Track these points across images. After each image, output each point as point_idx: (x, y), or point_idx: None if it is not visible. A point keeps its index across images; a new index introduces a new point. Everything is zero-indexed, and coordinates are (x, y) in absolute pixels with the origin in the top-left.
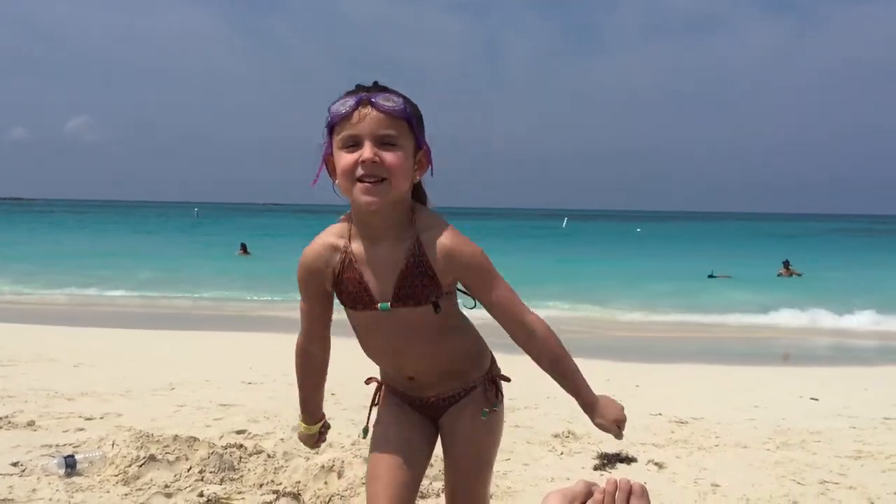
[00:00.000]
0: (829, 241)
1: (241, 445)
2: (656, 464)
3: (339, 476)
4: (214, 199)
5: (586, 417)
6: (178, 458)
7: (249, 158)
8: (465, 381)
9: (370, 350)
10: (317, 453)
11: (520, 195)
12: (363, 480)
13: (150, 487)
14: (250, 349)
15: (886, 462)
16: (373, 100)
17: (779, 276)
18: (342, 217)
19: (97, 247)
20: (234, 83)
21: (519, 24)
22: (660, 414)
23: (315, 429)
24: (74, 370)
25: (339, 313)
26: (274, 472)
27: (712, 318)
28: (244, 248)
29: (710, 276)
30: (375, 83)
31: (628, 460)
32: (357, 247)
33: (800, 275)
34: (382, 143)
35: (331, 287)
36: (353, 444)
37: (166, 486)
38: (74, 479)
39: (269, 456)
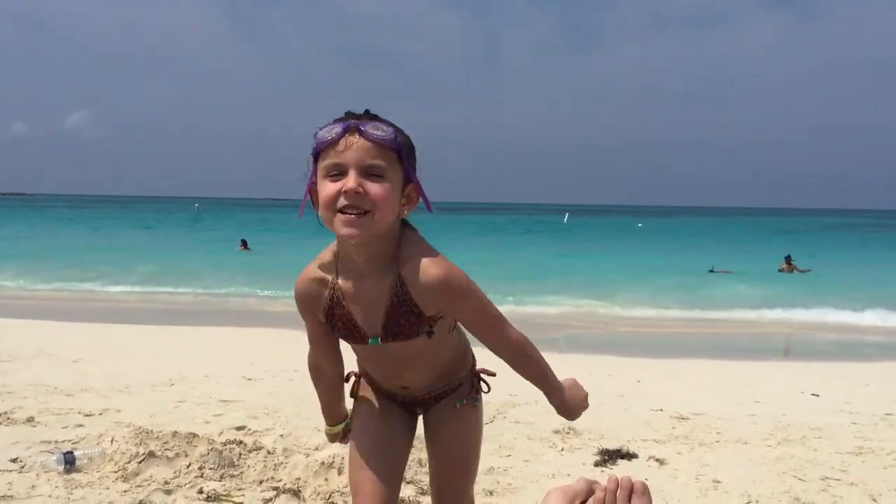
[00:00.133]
0: (832, 237)
1: (241, 442)
2: (657, 460)
3: (340, 472)
4: (215, 194)
5: (587, 413)
6: (177, 455)
7: (250, 153)
8: (452, 379)
9: (368, 369)
10: (316, 449)
11: (520, 190)
12: None
13: (149, 484)
14: (250, 345)
15: (888, 458)
16: (361, 128)
17: (780, 271)
18: (331, 245)
19: (97, 242)
20: (235, 78)
21: (518, 18)
22: (661, 409)
23: (338, 428)
24: (73, 366)
25: None
26: (274, 469)
27: (713, 314)
28: (244, 243)
29: (711, 272)
30: (367, 111)
31: (629, 456)
32: (344, 283)
33: (808, 271)
34: (368, 173)
35: (323, 319)
36: None
37: (166, 483)
38: (73, 475)
39: (269, 452)
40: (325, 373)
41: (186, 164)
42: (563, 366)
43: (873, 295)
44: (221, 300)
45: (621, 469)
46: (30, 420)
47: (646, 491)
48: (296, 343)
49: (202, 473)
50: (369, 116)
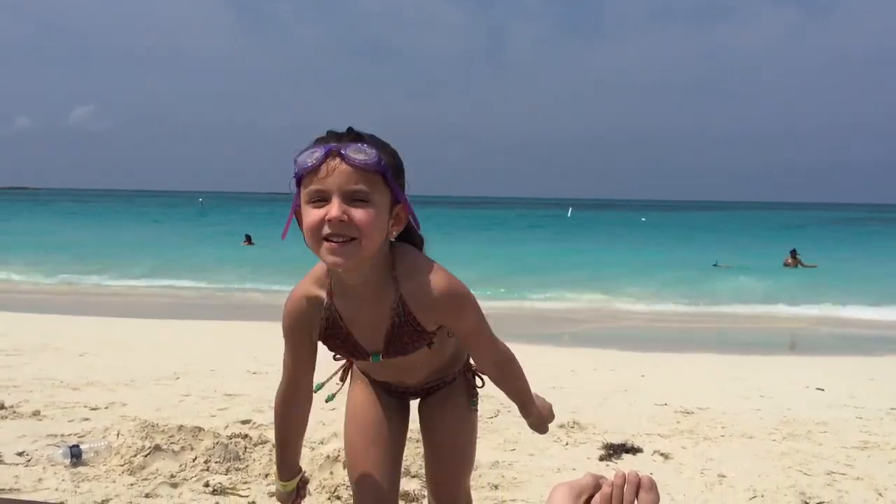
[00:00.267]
0: (837, 231)
1: (246, 435)
2: (662, 454)
3: (345, 466)
4: (218, 189)
5: (591, 407)
6: (183, 448)
7: (253, 147)
8: (447, 373)
9: (369, 374)
10: (321, 443)
11: (523, 184)
12: None
13: (155, 477)
14: (255, 339)
15: (893, 453)
16: (342, 151)
17: (785, 265)
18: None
19: (101, 236)
20: (239, 71)
21: (522, 10)
22: (665, 404)
23: (293, 484)
24: (79, 359)
25: None
26: None
27: (717, 308)
28: (248, 238)
29: (715, 266)
30: (349, 129)
31: (634, 451)
32: (340, 302)
33: (814, 266)
34: (353, 198)
35: (318, 339)
36: None
37: (172, 476)
38: (80, 468)
39: (273, 446)
40: (300, 407)
41: (190, 159)
42: (566, 360)
43: (878, 289)
44: (226, 294)
45: (626, 463)
46: (36, 414)
47: (653, 486)
48: None
49: (208, 467)
50: (352, 136)
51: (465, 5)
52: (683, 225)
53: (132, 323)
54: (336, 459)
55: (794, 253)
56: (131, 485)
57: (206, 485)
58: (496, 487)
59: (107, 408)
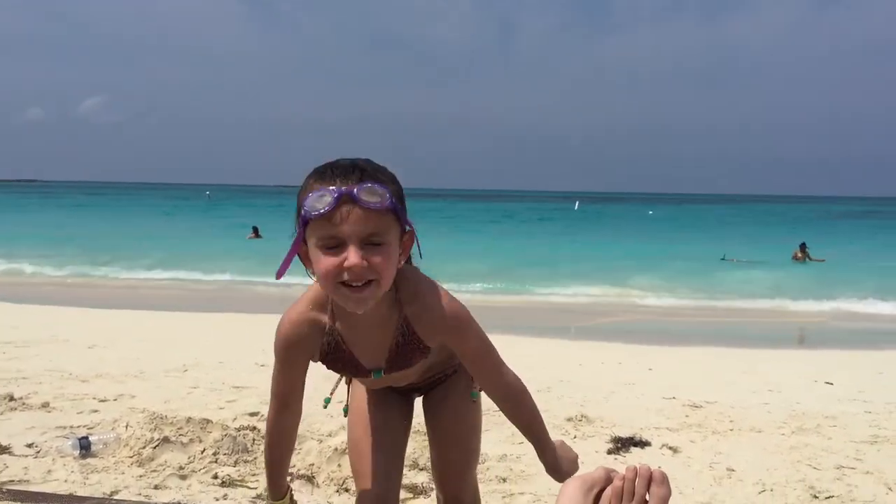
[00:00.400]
0: (846, 224)
1: (255, 427)
2: (670, 448)
3: None
4: (226, 181)
5: (599, 401)
6: (191, 440)
7: (261, 140)
8: (447, 366)
9: (365, 384)
10: (329, 436)
11: (531, 177)
12: None
13: (164, 469)
14: (263, 331)
15: None
16: (355, 195)
17: (794, 259)
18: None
19: (110, 228)
20: (249, 63)
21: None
22: (673, 397)
23: (286, 501)
24: (88, 351)
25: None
26: None
27: (725, 302)
28: (256, 231)
29: (723, 259)
30: (353, 165)
31: (642, 444)
32: (343, 326)
33: (823, 261)
34: (368, 242)
35: (317, 361)
36: None
37: (181, 468)
38: (89, 460)
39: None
40: (291, 428)
41: (199, 151)
42: (575, 353)
43: (887, 283)
44: (234, 286)
45: (634, 457)
46: (45, 405)
47: (665, 480)
48: None
49: (216, 459)
50: (359, 175)
51: None
52: (690, 218)
53: (140, 315)
54: (344, 452)
55: (803, 246)
56: (140, 476)
57: (215, 476)
58: (504, 480)
59: (115, 400)
